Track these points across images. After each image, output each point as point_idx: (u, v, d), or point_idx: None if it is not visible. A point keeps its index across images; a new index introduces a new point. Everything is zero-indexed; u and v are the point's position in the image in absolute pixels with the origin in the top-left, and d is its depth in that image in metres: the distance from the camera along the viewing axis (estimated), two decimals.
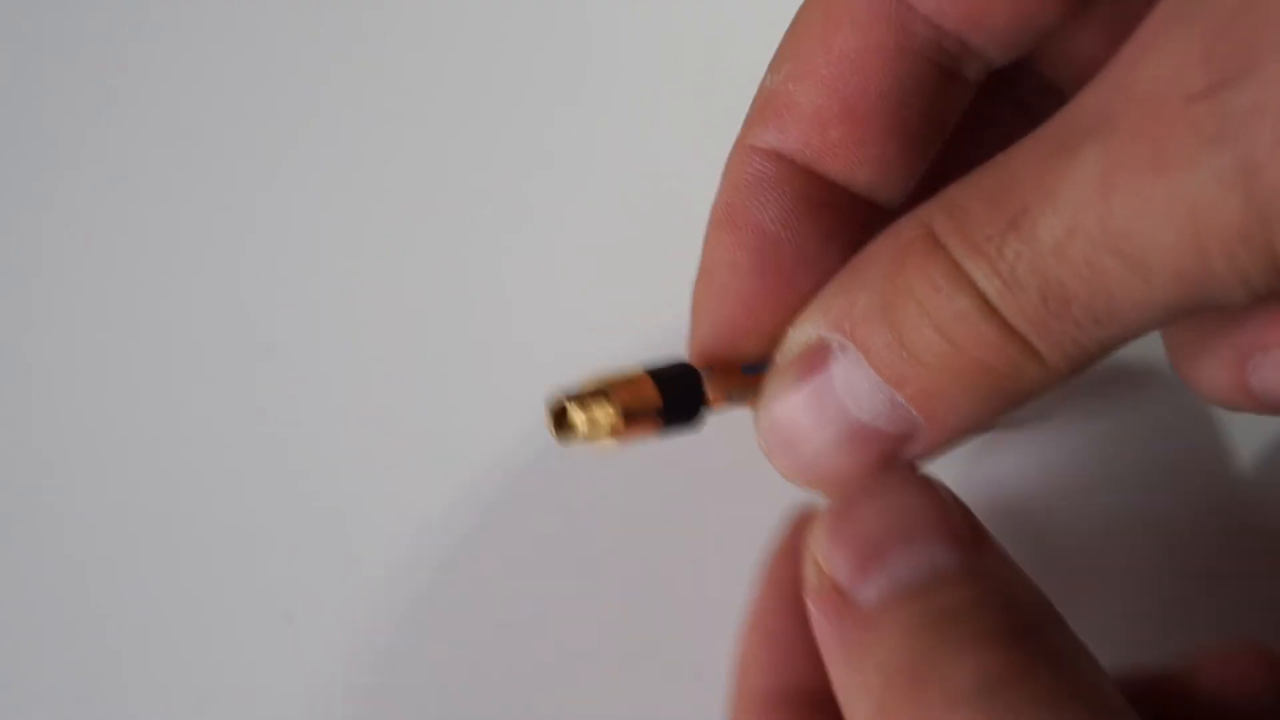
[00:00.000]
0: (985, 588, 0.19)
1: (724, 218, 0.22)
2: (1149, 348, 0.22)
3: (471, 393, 0.29)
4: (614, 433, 0.21)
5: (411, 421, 0.29)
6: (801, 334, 0.21)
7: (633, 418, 0.21)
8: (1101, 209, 0.17)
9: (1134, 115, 0.17)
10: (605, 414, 0.21)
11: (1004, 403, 0.20)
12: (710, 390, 0.22)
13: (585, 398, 0.21)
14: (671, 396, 0.21)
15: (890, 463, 0.21)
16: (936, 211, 0.19)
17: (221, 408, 0.29)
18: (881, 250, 0.20)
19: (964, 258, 0.18)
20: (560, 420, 0.21)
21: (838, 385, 0.20)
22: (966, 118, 0.23)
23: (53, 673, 0.27)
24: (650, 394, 0.21)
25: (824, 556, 0.20)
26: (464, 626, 0.28)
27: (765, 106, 0.22)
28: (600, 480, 0.28)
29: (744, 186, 0.22)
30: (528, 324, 0.30)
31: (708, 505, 0.28)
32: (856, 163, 0.21)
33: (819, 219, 0.22)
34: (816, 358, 0.20)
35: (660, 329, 0.27)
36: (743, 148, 0.22)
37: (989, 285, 0.18)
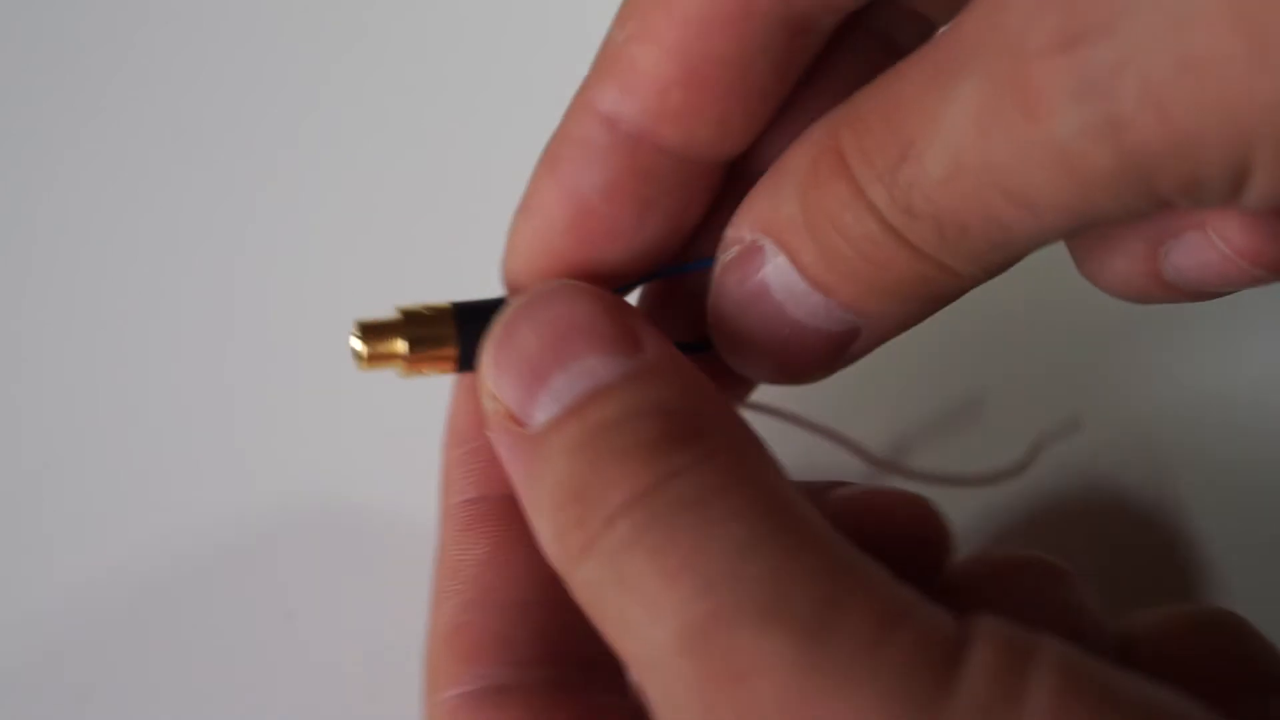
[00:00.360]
0: (642, 396, 0.19)
1: (549, 167, 0.22)
2: None
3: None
4: (406, 365, 0.22)
5: (412, 420, 0.29)
6: (736, 234, 0.21)
7: (427, 353, 0.22)
8: (982, 147, 0.17)
9: (1003, 58, 0.16)
10: (401, 346, 0.22)
11: (933, 304, 0.20)
12: None
13: (382, 328, 0.22)
14: (469, 335, 0.22)
15: (839, 357, 0.21)
16: (843, 125, 0.19)
17: (220, 407, 0.29)
18: (798, 159, 0.20)
19: (866, 183, 0.18)
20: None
21: (774, 288, 0.20)
22: (821, 57, 0.22)
23: (53, 671, 0.28)
24: (448, 330, 0.22)
25: (493, 384, 0.20)
26: None
27: (608, 65, 0.22)
28: None
29: (572, 145, 0.22)
30: None
31: None
32: (696, 125, 0.21)
33: (642, 191, 0.22)
34: (752, 260, 0.20)
35: None
36: (581, 104, 0.22)
37: (889, 212, 0.18)
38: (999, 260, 0.19)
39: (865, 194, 0.18)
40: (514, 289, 0.23)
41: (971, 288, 0.20)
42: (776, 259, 0.20)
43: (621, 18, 0.21)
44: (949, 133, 0.17)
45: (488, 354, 0.20)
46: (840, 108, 0.19)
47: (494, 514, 0.22)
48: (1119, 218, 0.17)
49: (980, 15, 0.17)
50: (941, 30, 0.18)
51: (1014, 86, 0.16)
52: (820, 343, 0.21)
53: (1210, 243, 0.19)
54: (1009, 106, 0.16)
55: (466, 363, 0.22)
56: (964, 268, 0.19)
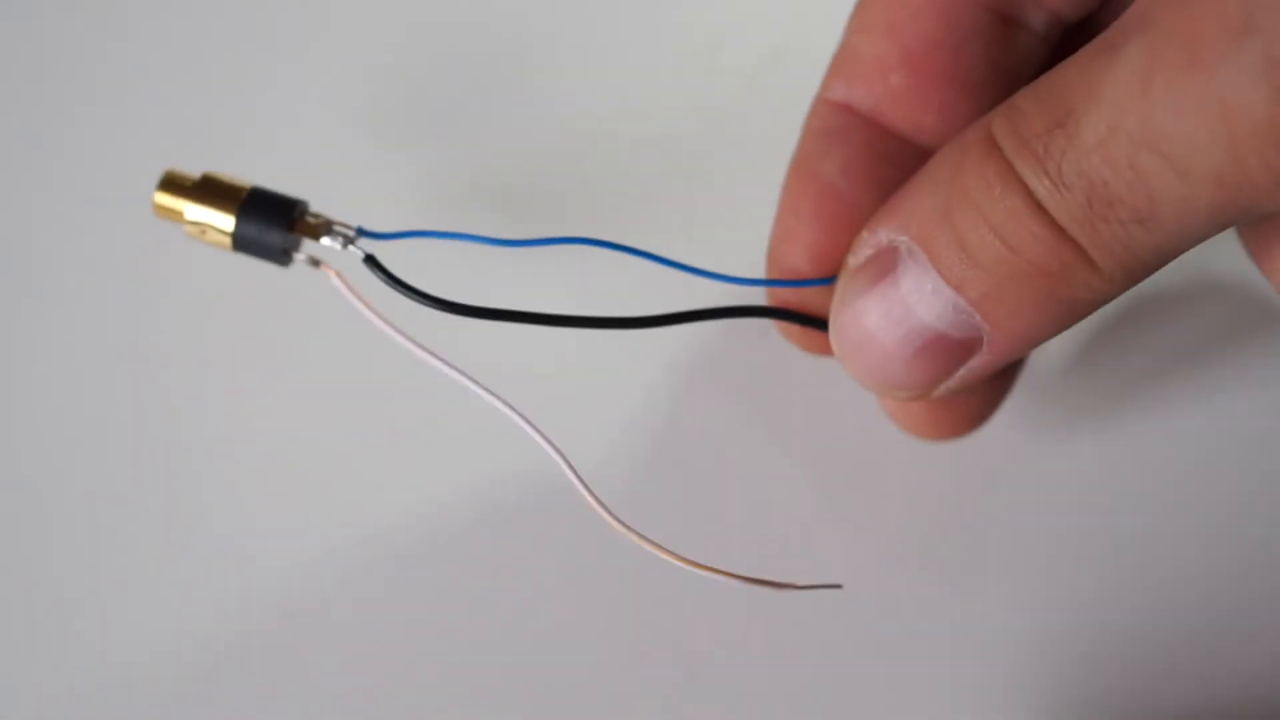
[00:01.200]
0: None
1: (794, 166, 0.24)
2: None
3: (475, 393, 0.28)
4: (187, 227, 0.23)
5: (414, 420, 0.29)
6: (871, 237, 0.21)
7: (207, 222, 0.23)
8: (1142, 107, 0.17)
9: (1172, 12, 0.17)
10: (185, 207, 0.23)
11: (1064, 310, 0.20)
12: None
13: (180, 185, 0.23)
14: (248, 219, 0.22)
15: (954, 370, 0.21)
16: (997, 113, 0.19)
17: (220, 407, 0.29)
18: (946, 153, 0.20)
19: (1015, 157, 0.19)
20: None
21: (904, 287, 0.20)
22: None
23: (54, 671, 0.28)
24: (231, 208, 0.23)
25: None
26: (465, 625, 0.28)
27: (837, 59, 0.23)
28: (603, 484, 0.27)
29: (812, 137, 0.23)
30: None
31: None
32: (918, 109, 0.23)
33: (882, 171, 0.23)
34: (885, 260, 0.21)
35: None
36: (817, 101, 0.24)
37: (1038, 184, 0.18)
38: (1142, 248, 0.18)
39: (1013, 168, 0.18)
40: (780, 276, 0.24)
41: (1105, 295, 0.19)
42: (911, 258, 0.20)
43: (850, 18, 0.23)
44: (1110, 96, 0.17)
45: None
46: (993, 110, 0.20)
47: None
48: (1272, 203, 0.17)
49: None
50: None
51: (1182, 36, 0.16)
52: (942, 349, 0.20)
53: None
54: (1175, 58, 0.16)
55: (240, 244, 0.23)
56: (1103, 256, 0.18)
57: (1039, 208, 0.18)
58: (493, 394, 0.22)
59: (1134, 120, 0.17)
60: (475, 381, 0.22)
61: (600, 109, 0.30)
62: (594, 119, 0.30)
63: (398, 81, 0.31)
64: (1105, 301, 0.19)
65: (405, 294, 0.22)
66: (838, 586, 0.23)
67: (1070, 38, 0.23)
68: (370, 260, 0.22)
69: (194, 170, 0.23)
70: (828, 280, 0.22)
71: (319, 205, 0.24)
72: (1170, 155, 0.17)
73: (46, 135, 0.31)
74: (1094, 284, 0.19)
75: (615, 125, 0.30)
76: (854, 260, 0.21)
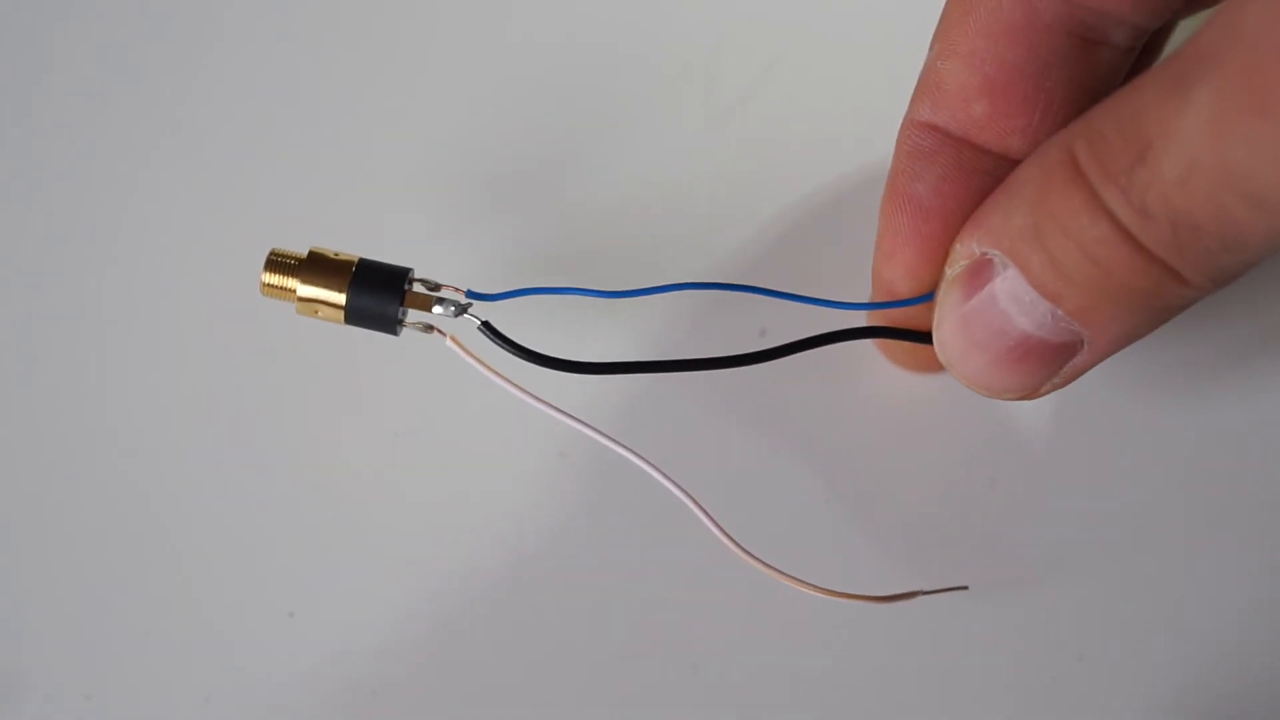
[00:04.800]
0: None
1: (889, 188, 0.24)
2: None
3: (477, 393, 0.28)
4: (299, 304, 0.23)
5: (415, 423, 0.29)
6: (964, 248, 0.22)
7: (319, 298, 0.23)
8: (1217, 148, 0.17)
9: (1240, 58, 0.17)
10: (296, 285, 0.23)
11: (1158, 315, 0.20)
12: None
13: (287, 264, 0.23)
14: (359, 294, 0.23)
15: (1059, 370, 0.22)
16: (1078, 136, 0.20)
17: (227, 407, 0.29)
18: (1031, 171, 0.21)
19: (1101, 187, 0.19)
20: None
21: (1001, 298, 0.21)
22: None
23: (57, 668, 0.28)
24: (341, 283, 0.23)
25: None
26: (462, 625, 0.28)
27: (921, 83, 0.24)
28: (599, 481, 0.28)
29: (904, 158, 0.24)
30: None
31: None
32: (1003, 134, 0.23)
33: (975, 183, 0.23)
34: (981, 272, 0.21)
35: None
36: (905, 122, 0.24)
37: (1124, 214, 0.19)
38: (1229, 265, 0.19)
39: (1100, 198, 0.19)
40: (888, 297, 0.25)
41: (1196, 300, 0.20)
42: (1006, 271, 0.21)
43: (933, 39, 0.24)
44: (1186, 135, 0.18)
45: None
46: (1072, 125, 0.20)
47: None
48: None
49: (1218, 25, 0.18)
50: (1173, 49, 0.19)
51: (1249, 86, 0.17)
52: (1044, 354, 0.21)
53: None
54: (1244, 105, 0.17)
55: (352, 317, 0.23)
56: (1193, 274, 0.19)
57: (1127, 234, 0.19)
58: (617, 442, 0.23)
59: (1211, 159, 0.17)
60: (600, 432, 0.23)
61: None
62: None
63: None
64: (1198, 300, 0.20)
65: (523, 357, 0.23)
66: (964, 588, 0.24)
67: (1154, 42, 0.24)
68: (486, 326, 0.23)
69: (297, 247, 0.23)
70: (929, 297, 0.23)
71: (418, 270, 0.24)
72: (1249, 193, 0.17)
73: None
74: (1185, 293, 0.20)
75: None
76: (951, 272, 0.22)
